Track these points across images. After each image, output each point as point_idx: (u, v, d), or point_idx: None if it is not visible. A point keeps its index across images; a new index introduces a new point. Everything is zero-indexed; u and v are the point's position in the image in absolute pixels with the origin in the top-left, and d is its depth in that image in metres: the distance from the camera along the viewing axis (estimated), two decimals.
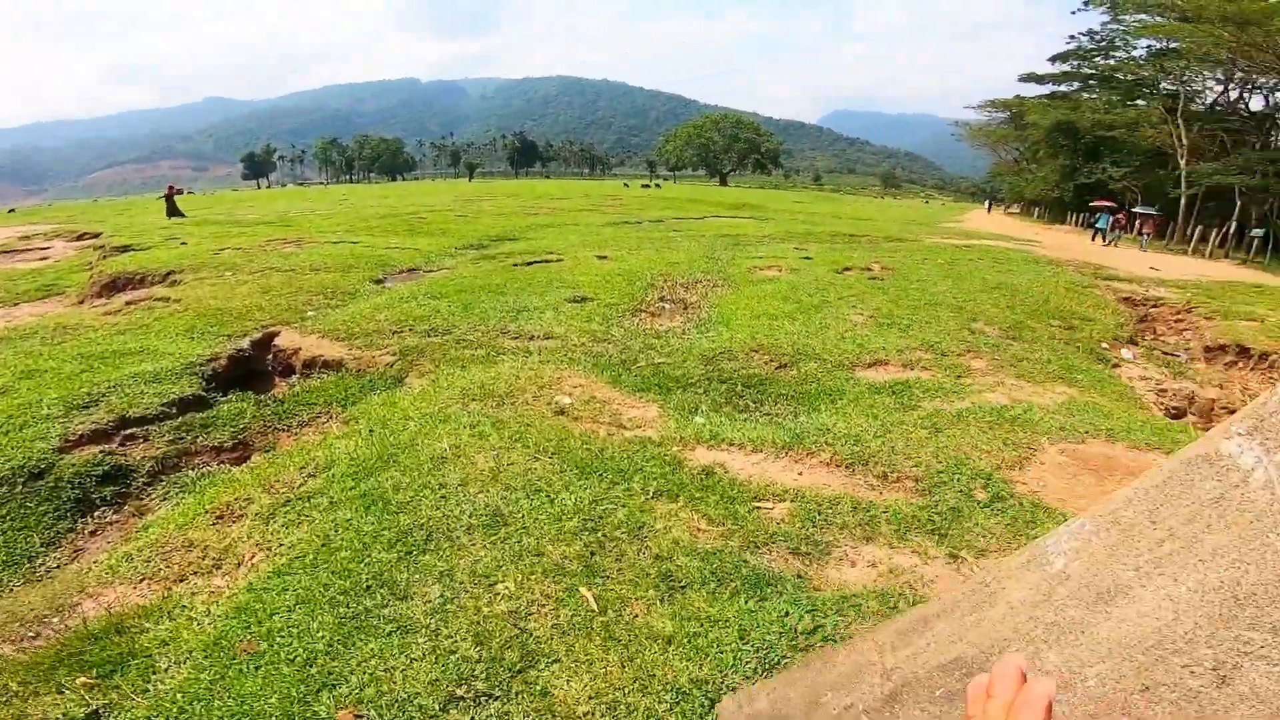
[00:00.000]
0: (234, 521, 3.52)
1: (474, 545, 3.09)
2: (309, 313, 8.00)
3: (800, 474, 3.92)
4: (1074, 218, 42.87)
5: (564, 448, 4.08)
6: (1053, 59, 42.72)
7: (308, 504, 3.52)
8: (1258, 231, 27.77)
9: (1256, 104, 32.53)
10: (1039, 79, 46.05)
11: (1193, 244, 28.30)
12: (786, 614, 2.64)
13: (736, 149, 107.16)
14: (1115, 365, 7.51)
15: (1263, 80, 29.78)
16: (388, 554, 3.03)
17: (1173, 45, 30.43)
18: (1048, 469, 3.94)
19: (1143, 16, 31.10)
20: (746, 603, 2.71)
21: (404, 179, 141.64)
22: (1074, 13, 36.13)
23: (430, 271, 11.33)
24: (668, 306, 8.50)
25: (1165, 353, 9.14)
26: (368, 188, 73.46)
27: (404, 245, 14.14)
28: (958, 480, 3.74)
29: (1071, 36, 40.52)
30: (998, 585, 1.27)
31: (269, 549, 3.20)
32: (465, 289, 9.07)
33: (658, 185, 67.63)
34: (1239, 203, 29.35)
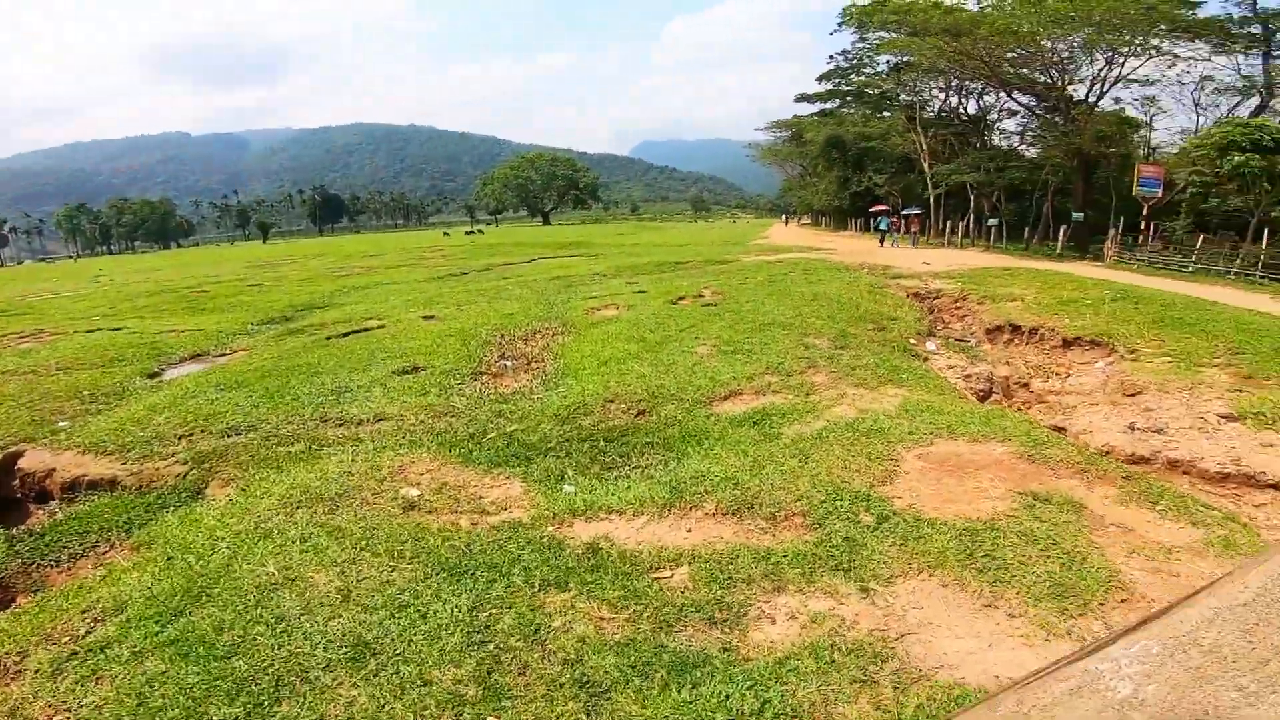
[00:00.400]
0: (11, 680, 2.90)
1: (341, 685, 2.59)
2: (60, 424, 6.55)
3: (689, 531, 3.72)
4: (854, 223, 48.78)
5: (423, 549, 3.60)
6: (819, 78, 48.50)
7: (102, 656, 2.89)
8: (993, 221, 33.49)
9: (972, 108, 39.59)
10: (810, 98, 51.97)
11: (946, 236, 33.48)
12: (727, 696, 2.44)
13: (556, 187, 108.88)
14: (925, 359, 8.33)
15: (974, 86, 36.26)
16: (229, 709, 2.48)
17: (907, 59, 35.86)
18: (913, 477, 4.10)
19: (883, 34, 36.36)
20: (680, 693, 2.46)
21: (181, 246, 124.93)
22: (831, 33, 41.29)
23: (222, 356, 9.79)
24: (510, 365, 8.00)
25: (957, 339, 10.41)
26: (133, 259, 63.89)
27: (184, 327, 12.15)
28: (840, 507, 3.76)
29: (831, 57, 46.34)
30: (1041, 715, 1.08)
31: (68, 712, 2.61)
32: (269, 373, 7.88)
33: (480, 231, 66.31)
34: (972, 197, 35.20)
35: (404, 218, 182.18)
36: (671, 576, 3.27)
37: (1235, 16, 26.34)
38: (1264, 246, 18.92)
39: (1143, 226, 25.60)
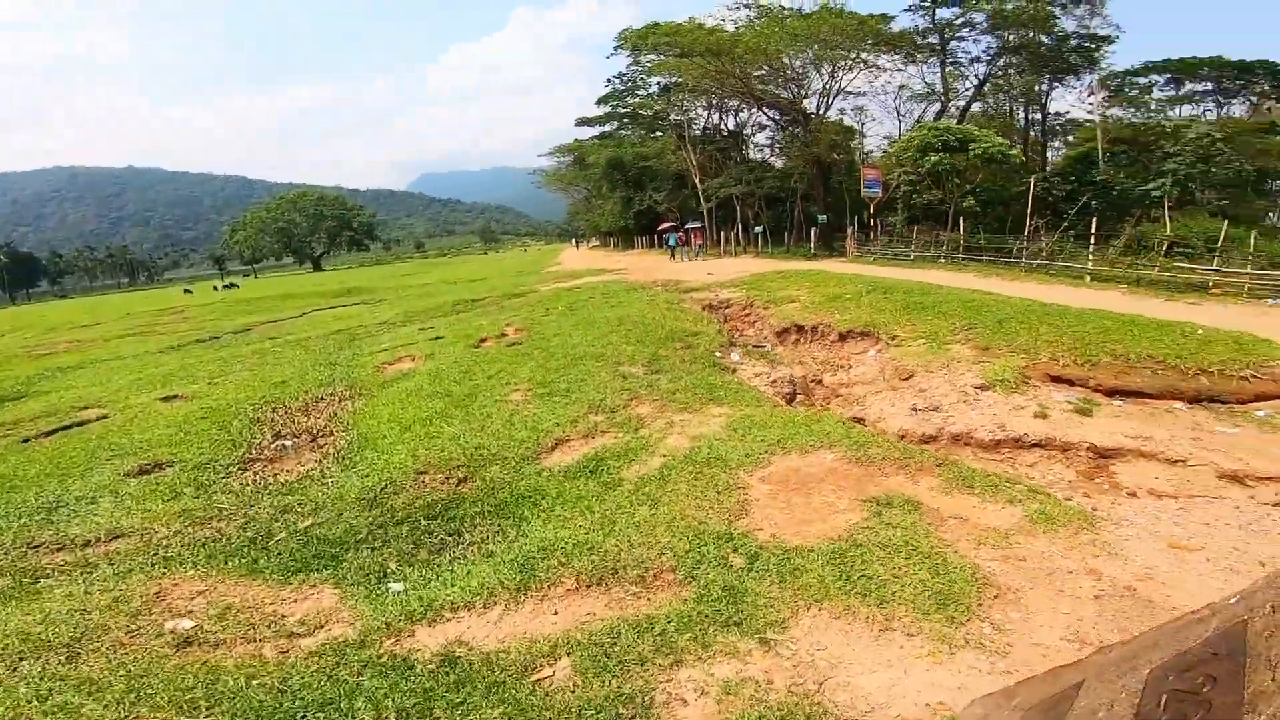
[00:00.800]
0: None
1: None
2: None
3: (556, 614, 3.28)
4: (640, 241, 51.30)
5: (224, 694, 2.80)
6: (599, 102, 50.53)
7: None
8: (758, 228, 37.33)
9: (731, 124, 43.95)
10: (590, 122, 53.92)
11: (722, 246, 36.61)
12: None
13: (325, 228, 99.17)
14: (733, 370, 8.67)
15: (731, 103, 40.29)
16: None
17: (675, 80, 38.75)
18: (764, 504, 4.03)
19: (654, 56, 38.88)
20: None
21: None
22: (608, 57, 43.05)
23: None
24: (290, 445, 6.72)
25: (755, 346, 11.09)
26: None
27: None
28: (707, 553, 3.55)
29: (608, 80, 48.46)
30: None
31: None
32: None
33: (234, 285, 57.69)
34: (738, 207, 38.94)
35: (129, 276, 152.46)
36: (553, 675, 2.81)
37: (920, 28, 32.74)
38: (961, 233, 23.30)
39: (871, 223, 30.22)
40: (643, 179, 46.75)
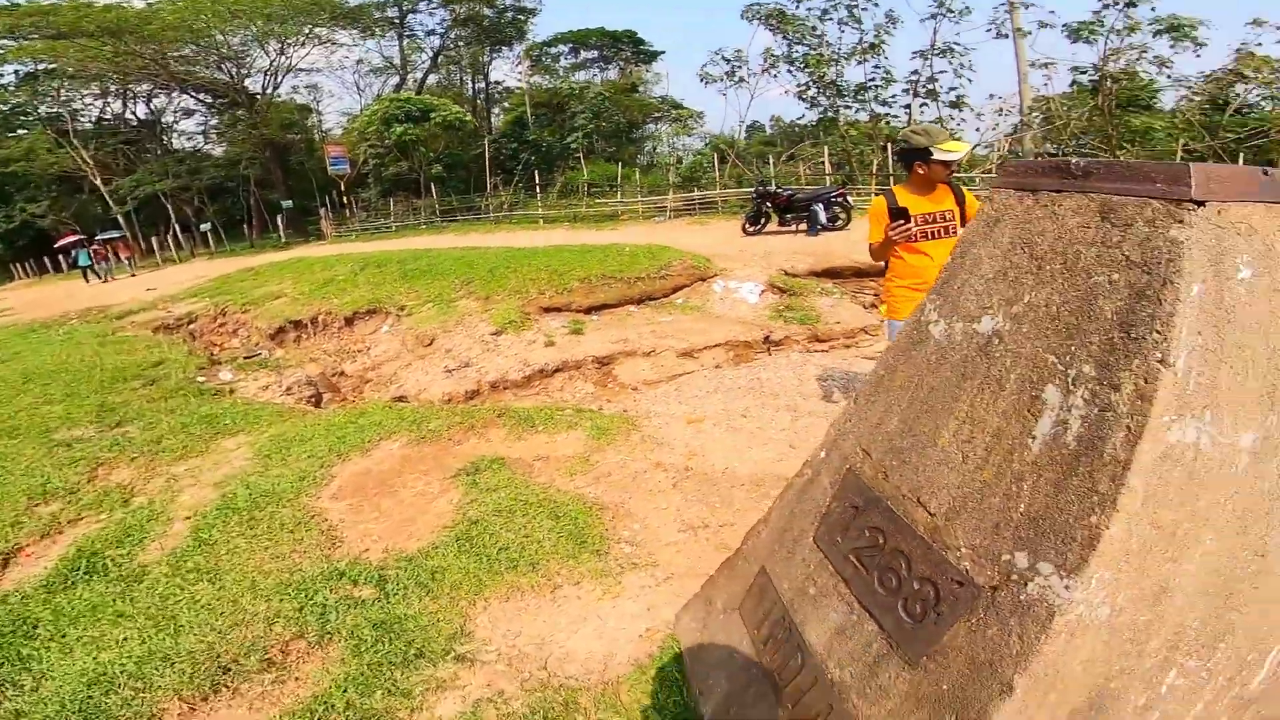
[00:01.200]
0: None
1: None
2: None
3: None
4: (25, 268, 37.23)
5: None
6: None
7: None
8: (205, 225, 31.22)
9: (142, 112, 34.87)
10: None
11: (160, 253, 29.41)
12: None
13: None
14: (232, 391, 7.13)
15: (142, 88, 31.83)
16: None
17: (46, 66, 28.37)
18: (353, 523, 3.39)
19: (8, 40, 27.20)
20: None
21: None
22: None
23: None
24: None
25: (248, 357, 9.35)
26: None
27: None
28: (326, 599, 2.74)
29: None
30: None
31: None
32: None
33: None
34: (169, 205, 31.79)
35: None
36: None
37: (379, 2, 31.78)
38: (434, 198, 24.36)
39: (345, 201, 28.84)
40: (5, 189, 33.62)
